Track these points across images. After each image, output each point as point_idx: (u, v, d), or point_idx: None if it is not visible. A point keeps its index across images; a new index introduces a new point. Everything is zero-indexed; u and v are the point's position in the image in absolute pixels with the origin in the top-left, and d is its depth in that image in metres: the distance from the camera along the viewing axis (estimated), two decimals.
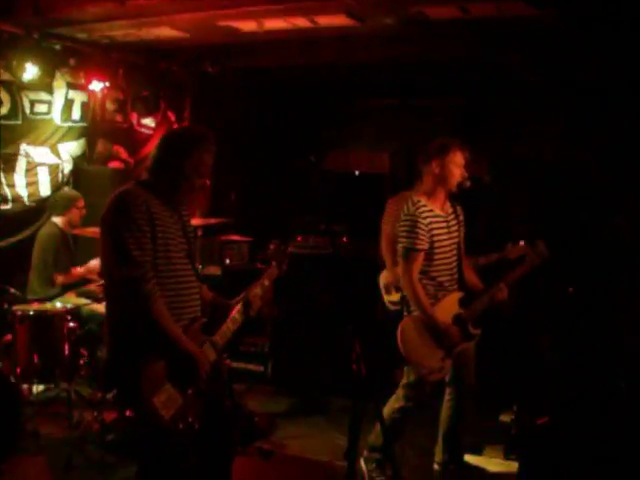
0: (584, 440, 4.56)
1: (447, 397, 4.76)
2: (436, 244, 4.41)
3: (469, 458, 5.02)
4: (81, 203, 6.22)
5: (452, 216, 4.59)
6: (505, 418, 5.60)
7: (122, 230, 3.10)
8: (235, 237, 7.75)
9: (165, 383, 3.14)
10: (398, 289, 5.53)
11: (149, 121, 7.82)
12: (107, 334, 3.29)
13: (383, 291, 5.92)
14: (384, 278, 5.90)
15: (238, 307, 3.56)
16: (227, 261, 7.41)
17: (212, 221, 7.09)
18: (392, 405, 4.60)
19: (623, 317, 4.59)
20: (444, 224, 4.49)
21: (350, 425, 2.86)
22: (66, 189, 6.30)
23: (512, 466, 4.93)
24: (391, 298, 5.76)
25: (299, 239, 7.90)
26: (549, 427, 4.91)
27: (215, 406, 3.48)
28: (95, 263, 6.05)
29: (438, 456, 4.86)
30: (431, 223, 4.40)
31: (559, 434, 4.74)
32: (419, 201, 4.45)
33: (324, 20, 5.55)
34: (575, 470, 4.37)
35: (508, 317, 6.14)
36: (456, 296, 4.50)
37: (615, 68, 6.23)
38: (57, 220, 6.20)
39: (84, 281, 6.26)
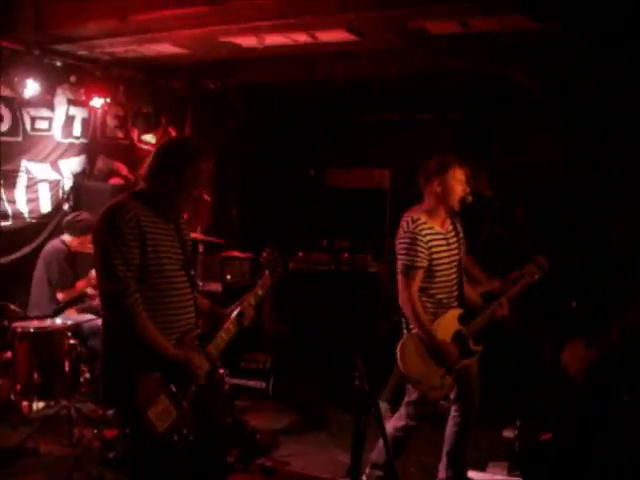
0: (588, 456, 4.54)
1: (452, 414, 4.71)
2: (435, 261, 4.39)
3: (472, 474, 4.97)
4: None
5: (452, 233, 4.57)
6: (508, 434, 5.56)
7: (108, 245, 3.12)
8: (236, 253, 7.73)
9: (160, 395, 3.14)
10: None
11: (150, 137, 7.82)
12: (103, 347, 3.29)
13: None
14: None
15: (233, 317, 3.54)
16: (228, 277, 7.38)
17: (212, 239, 7.07)
18: (394, 423, 4.56)
19: (626, 329, 4.57)
20: (444, 242, 4.47)
21: (353, 442, 2.83)
22: (86, 214, 6.24)
23: None
24: None
25: (300, 255, 7.90)
26: (552, 443, 4.88)
27: (210, 418, 3.47)
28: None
29: (441, 473, 4.81)
30: (431, 241, 4.38)
31: (562, 450, 4.71)
32: (419, 219, 4.43)
33: (324, 36, 5.55)
34: None
35: (511, 332, 6.12)
36: (456, 313, 4.47)
37: (617, 81, 6.23)
38: (66, 238, 6.19)
39: (84, 296, 6.23)
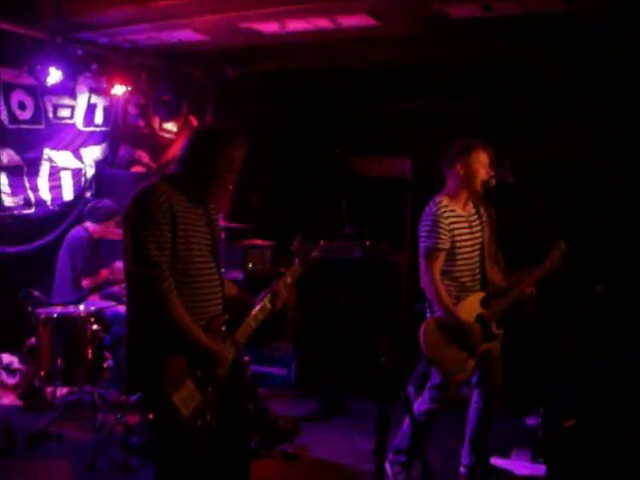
0: (611, 443, 4.49)
1: (474, 398, 4.69)
2: (458, 244, 4.37)
3: (496, 461, 4.95)
4: (119, 217, 6.24)
5: (475, 216, 4.54)
6: (532, 421, 5.53)
7: (141, 229, 3.09)
8: (258, 241, 7.73)
9: (185, 380, 3.12)
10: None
11: (171, 126, 7.84)
12: (127, 332, 3.27)
13: None
14: None
15: (261, 304, 3.51)
16: (250, 265, 7.39)
17: (234, 225, 7.07)
18: (418, 408, 4.54)
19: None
20: (466, 224, 4.44)
21: (377, 424, 2.81)
22: (107, 201, 6.27)
23: (540, 469, 4.86)
24: None
25: (322, 243, 7.87)
26: (576, 430, 4.84)
27: (234, 405, 3.45)
28: (120, 265, 6.06)
29: (465, 459, 4.79)
30: (453, 223, 4.36)
31: (586, 437, 4.67)
32: (441, 201, 4.41)
33: (346, 20, 5.51)
34: (602, 473, 4.30)
35: (534, 319, 6.07)
36: (478, 296, 4.45)
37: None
38: (89, 226, 6.22)
39: (108, 283, 6.26)
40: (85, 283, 6.05)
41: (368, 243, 7.70)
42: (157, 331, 3.12)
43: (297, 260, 3.73)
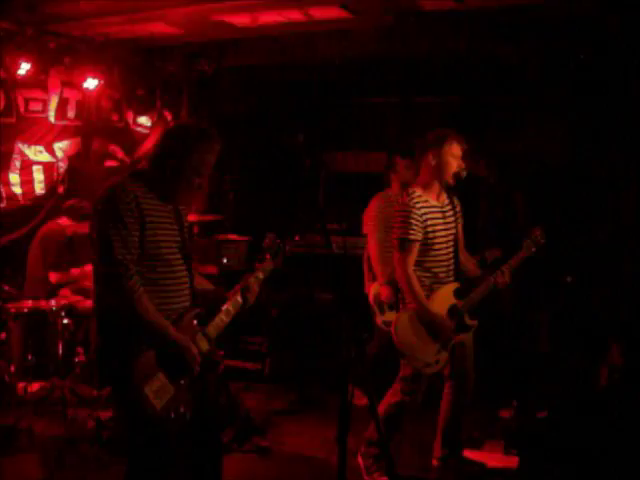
0: (583, 433, 4.52)
1: (447, 390, 4.69)
2: (431, 234, 4.36)
3: (469, 453, 4.95)
4: None
5: (449, 207, 4.54)
6: (505, 413, 5.55)
7: (107, 226, 3.07)
8: (233, 236, 7.70)
9: (157, 372, 3.12)
10: (391, 307, 5.36)
11: (145, 120, 7.78)
12: (96, 327, 3.26)
13: (376, 310, 5.62)
14: (378, 295, 5.60)
15: (233, 299, 3.52)
16: (224, 260, 7.35)
17: (208, 218, 7.03)
18: (389, 399, 4.54)
19: (624, 307, 4.54)
20: (440, 214, 4.44)
21: (339, 413, 2.80)
22: (88, 202, 6.22)
23: (512, 461, 4.88)
24: (385, 318, 5.49)
25: (297, 238, 7.86)
26: (548, 421, 4.87)
27: (207, 398, 3.45)
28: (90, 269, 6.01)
29: (437, 451, 4.79)
30: (426, 214, 4.35)
31: (558, 428, 4.69)
32: (414, 192, 4.40)
33: (318, 13, 5.51)
34: (574, 464, 4.33)
35: (510, 309, 6.09)
36: (451, 287, 4.44)
37: (621, 60, 6.12)
38: (63, 221, 6.17)
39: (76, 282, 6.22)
40: (53, 277, 6.00)
41: (345, 237, 7.70)
42: (126, 326, 3.11)
43: (269, 256, 3.74)
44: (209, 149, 3.29)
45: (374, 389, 2.99)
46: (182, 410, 3.19)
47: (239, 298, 3.53)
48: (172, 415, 3.14)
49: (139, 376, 3.05)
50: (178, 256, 3.30)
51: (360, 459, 4.63)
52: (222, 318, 3.47)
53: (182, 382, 3.20)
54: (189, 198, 3.40)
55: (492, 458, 5.03)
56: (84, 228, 5.98)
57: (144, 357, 3.09)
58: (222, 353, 5.40)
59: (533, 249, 4.62)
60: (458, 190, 4.58)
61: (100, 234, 3.10)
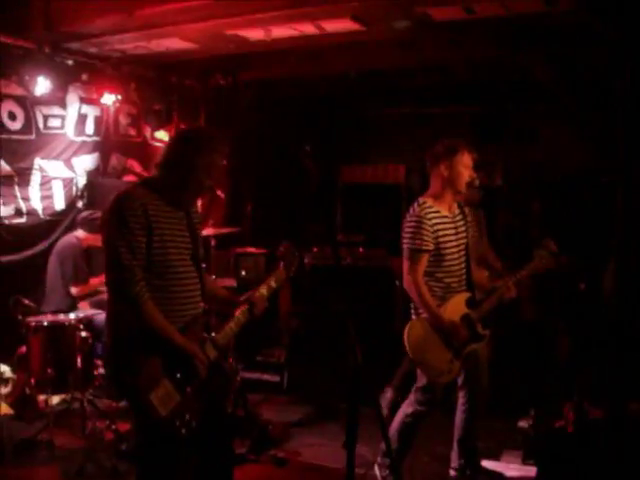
0: (602, 444, 4.48)
1: (461, 400, 4.69)
2: (442, 245, 4.36)
3: (486, 463, 4.94)
4: None
5: (459, 217, 4.54)
6: (523, 424, 5.51)
7: (115, 234, 3.14)
8: (251, 249, 7.75)
9: (162, 380, 3.14)
10: None
11: (162, 134, 7.87)
12: (108, 336, 3.31)
13: None
14: None
15: (242, 307, 3.54)
16: (242, 273, 7.40)
17: (225, 230, 7.08)
18: (405, 410, 4.55)
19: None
20: (451, 225, 4.44)
21: (348, 416, 2.81)
22: (101, 212, 6.29)
23: (530, 471, 4.85)
24: None
25: (315, 250, 7.89)
26: (566, 431, 4.83)
27: (216, 407, 3.48)
28: None
29: (454, 462, 4.79)
30: (437, 224, 4.35)
31: (577, 437, 4.66)
32: (425, 202, 4.42)
33: (330, 25, 5.54)
34: (593, 474, 4.29)
35: (532, 319, 6.05)
36: (463, 297, 4.44)
37: (635, 66, 6.10)
38: (80, 235, 6.25)
39: (97, 292, 6.28)
40: (74, 290, 6.07)
41: (361, 249, 7.72)
42: (132, 333, 3.15)
43: (282, 264, 3.75)
44: (217, 150, 3.34)
45: (379, 397, 2.99)
46: (188, 418, 3.20)
47: (249, 307, 3.54)
48: (177, 423, 3.16)
49: (145, 382, 3.09)
50: (188, 263, 3.33)
51: (376, 469, 4.64)
52: (231, 327, 3.49)
53: (188, 389, 3.22)
54: (199, 200, 3.45)
55: (510, 468, 5.01)
56: (99, 240, 6.07)
57: (150, 363, 3.13)
58: (233, 363, 5.44)
59: (546, 260, 4.58)
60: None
61: (108, 241, 3.17)
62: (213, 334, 3.41)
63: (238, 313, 3.52)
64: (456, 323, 4.34)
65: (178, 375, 3.19)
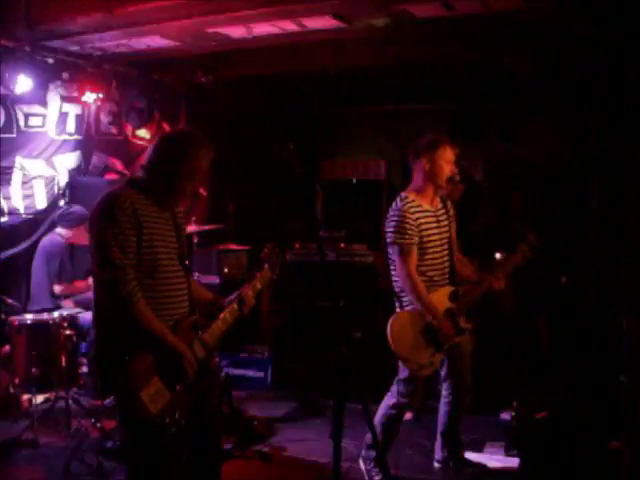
0: (584, 434, 4.55)
1: (444, 393, 4.73)
2: (425, 239, 4.41)
3: (470, 455, 4.98)
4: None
5: (442, 211, 4.58)
6: (506, 416, 5.57)
7: (105, 233, 3.13)
8: (233, 246, 7.76)
9: (153, 377, 3.15)
10: None
11: (144, 133, 7.85)
12: (95, 334, 3.31)
13: None
14: None
15: (230, 307, 3.56)
16: (225, 270, 7.41)
17: (208, 227, 7.09)
18: (387, 402, 4.58)
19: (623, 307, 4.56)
20: (433, 219, 4.49)
21: (335, 409, 2.85)
22: (78, 207, 6.28)
23: (513, 462, 4.90)
24: None
25: (297, 246, 7.93)
26: (548, 421, 4.90)
27: (205, 405, 3.49)
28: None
29: (438, 454, 4.83)
30: (419, 218, 4.40)
31: (559, 428, 4.72)
32: (407, 197, 4.46)
33: (311, 23, 5.57)
34: (575, 464, 4.35)
35: (511, 312, 6.11)
36: (446, 291, 4.48)
37: (612, 62, 6.17)
38: (61, 231, 6.23)
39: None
40: (57, 289, 6.06)
41: (342, 245, 7.77)
42: (122, 331, 3.15)
43: (267, 266, 3.78)
44: (202, 155, 3.35)
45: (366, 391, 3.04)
46: (177, 416, 3.22)
47: (236, 307, 3.57)
48: (167, 420, 3.17)
49: (135, 380, 3.09)
50: (175, 263, 3.36)
51: (361, 462, 4.67)
52: (219, 326, 3.51)
53: (178, 388, 3.23)
54: (185, 204, 3.48)
55: (493, 459, 5.06)
56: (81, 236, 6.06)
57: (141, 361, 3.13)
58: (217, 360, 5.46)
59: (528, 254, 4.64)
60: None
61: (98, 241, 3.17)
62: (201, 333, 3.43)
63: (225, 313, 3.54)
64: (444, 319, 4.38)
65: (168, 373, 3.20)
